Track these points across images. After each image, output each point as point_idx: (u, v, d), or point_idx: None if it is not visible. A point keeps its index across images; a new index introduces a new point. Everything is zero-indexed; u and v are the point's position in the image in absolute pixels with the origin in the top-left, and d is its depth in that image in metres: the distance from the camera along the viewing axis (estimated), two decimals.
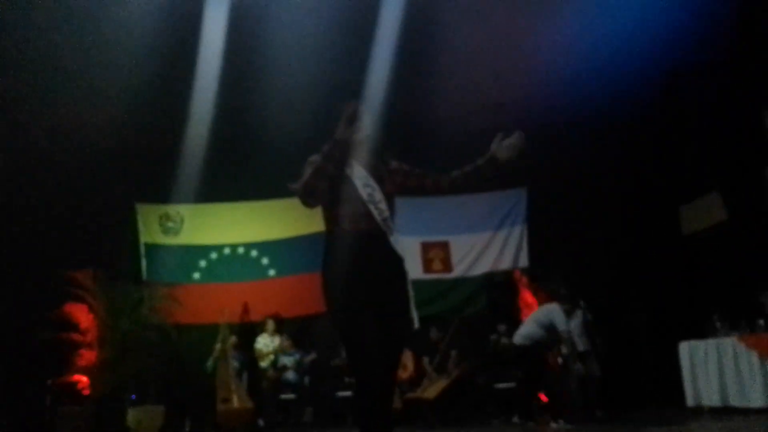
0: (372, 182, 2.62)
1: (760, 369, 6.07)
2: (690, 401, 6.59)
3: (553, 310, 6.45)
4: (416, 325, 2.64)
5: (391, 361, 2.58)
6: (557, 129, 8.25)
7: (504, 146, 2.62)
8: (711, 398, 6.42)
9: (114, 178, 8.32)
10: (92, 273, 7.58)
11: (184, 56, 7.27)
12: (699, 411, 6.51)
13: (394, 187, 2.69)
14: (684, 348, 6.79)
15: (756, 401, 6.04)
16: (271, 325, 7.85)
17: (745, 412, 6.09)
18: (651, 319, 8.04)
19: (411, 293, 2.64)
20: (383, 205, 2.60)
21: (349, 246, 2.53)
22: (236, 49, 7.30)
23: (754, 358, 6.15)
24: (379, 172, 2.67)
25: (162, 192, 8.54)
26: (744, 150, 7.82)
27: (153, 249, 8.51)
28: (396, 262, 2.59)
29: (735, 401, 6.23)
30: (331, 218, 2.61)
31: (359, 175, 2.62)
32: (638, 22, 7.01)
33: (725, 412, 6.26)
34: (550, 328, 6.38)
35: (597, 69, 7.52)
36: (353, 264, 2.49)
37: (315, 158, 2.62)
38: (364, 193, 2.58)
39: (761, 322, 6.61)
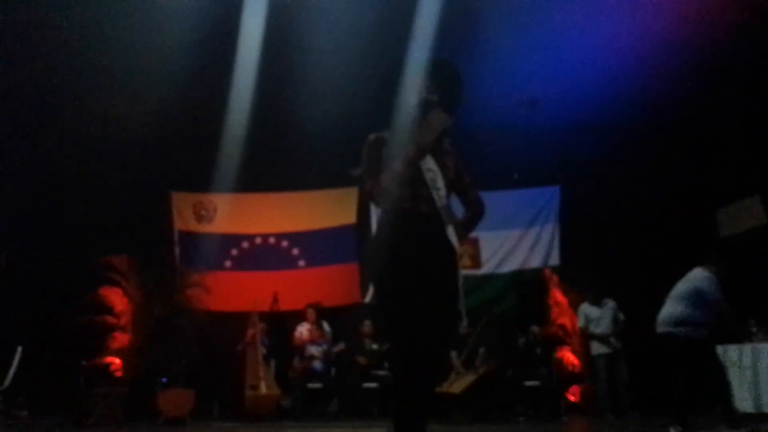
0: (435, 167, 2.54)
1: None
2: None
3: (696, 277, 5.26)
4: (464, 320, 2.58)
5: (436, 354, 2.52)
6: (594, 127, 8.14)
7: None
8: (744, 404, 6.27)
9: (150, 166, 8.48)
10: (127, 259, 7.77)
11: (223, 47, 7.35)
12: (731, 416, 6.35)
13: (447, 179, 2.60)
14: (718, 351, 6.64)
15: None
16: (311, 314, 7.91)
17: None
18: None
19: (461, 286, 2.51)
20: (443, 193, 2.52)
21: (407, 226, 2.44)
22: (274, 41, 7.36)
23: None
24: (441, 159, 2.59)
25: (196, 181, 8.69)
26: None
27: (186, 236, 8.67)
28: (450, 252, 2.47)
29: None
30: (389, 198, 2.49)
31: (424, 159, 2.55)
32: (679, 21, 6.87)
33: (759, 418, 6.11)
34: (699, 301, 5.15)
35: (637, 67, 7.39)
36: (409, 246, 2.39)
37: (370, 153, 2.59)
38: (427, 176, 2.50)
39: None
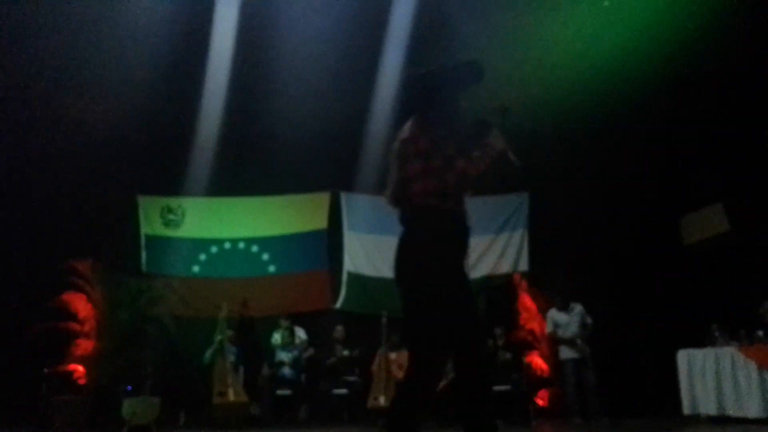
0: None
1: (758, 379, 6.06)
2: (687, 409, 6.58)
3: None
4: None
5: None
6: (562, 134, 8.27)
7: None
8: (708, 407, 6.41)
9: (117, 169, 8.35)
10: (92, 263, 7.57)
11: (195, 50, 7.29)
12: (695, 419, 6.49)
13: None
14: (682, 356, 6.78)
15: (752, 411, 6.02)
16: (285, 322, 7.85)
17: (742, 422, 6.08)
18: (650, 326, 8.02)
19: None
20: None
21: (453, 224, 2.48)
22: (247, 45, 7.33)
23: (752, 368, 6.13)
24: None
25: (164, 184, 8.57)
26: (749, 162, 7.82)
27: (154, 241, 8.52)
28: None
29: (732, 411, 6.21)
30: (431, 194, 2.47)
31: None
32: (647, 29, 7.02)
33: (722, 421, 6.25)
34: None
35: (604, 75, 7.53)
36: (457, 244, 2.45)
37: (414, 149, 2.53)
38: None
39: (760, 333, 6.60)
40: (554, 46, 7.36)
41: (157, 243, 8.51)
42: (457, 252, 2.43)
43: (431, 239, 2.39)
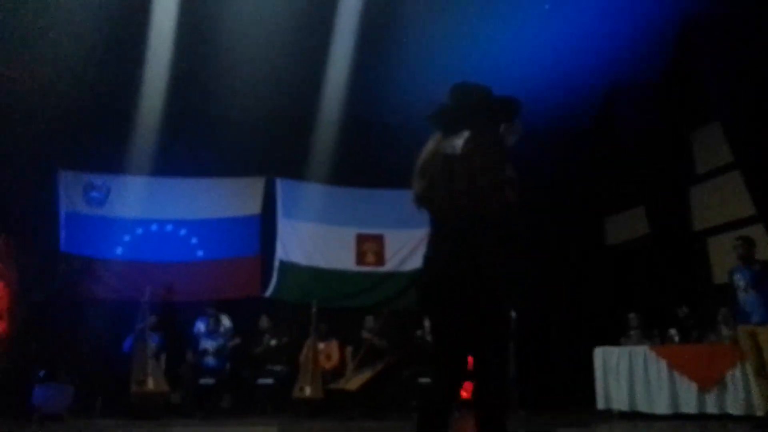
0: None
1: (668, 378, 6.41)
2: (600, 404, 6.87)
3: None
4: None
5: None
6: None
7: (510, 132, 2.58)
8: (620, 403, 6.72)
9: (37, 141, 7.82)
10: (5, 239, 7.15)
11: (135, 24, 6.95)
12: (608, 414, 6.79)
13: None
14: (598, 353, 7.07)
15: (661, 408, 6.37)
16: (210, 310, 7.65)
17: (651, 417, 6.42)
18: (570, 323, 8.32)
19: None
20: None
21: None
22: (190, 22, 7.03)
23: (663, 367, 6.47)
24: None
25: (88, 159, 8.14)
26: (670, 169, 8.20)
27: (74, 219, 8.08)
28: None
29: (642, 407, 6.54)
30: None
31: None
32: (580, 37, 7.18)
33: (632, 416, 6.57)
34: None
35: (535, 78, 7.65)
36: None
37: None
38: None
39: (673, 332, 6.97)
40: (487, 47, 7.41)
41: (78, 221, 8.08)
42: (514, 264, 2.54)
43: (503, 255, 2.48)
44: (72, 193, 8.18)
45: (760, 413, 5.65)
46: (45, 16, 6.46)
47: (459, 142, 2.50)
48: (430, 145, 2.60)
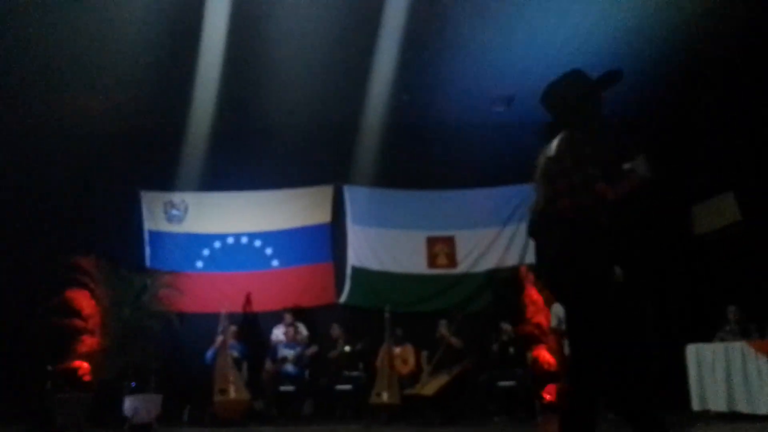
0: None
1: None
2: (696, 405, 6.44)
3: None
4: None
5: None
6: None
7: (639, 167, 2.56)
8: (717, 403, 6.26)
9: (119, 164, 8.33)
10: (95, 260, 7.58)
11: (188, 42, 7.20)
12: (705, 415, 6.35)
13: None
14: (691, 351, 6.64)
15: (763, 408, 5.87)
16: (288, 317, 7.81)
17: (752, 418, 5.94)
18: (660, 320, 7.85)
19: None
20: None
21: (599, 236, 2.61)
22: (241, 37, 7.22)
23: (763, 363, 5.97)
24: None
25: (167, 179, 8.53)
26: (759, 151, 7.61)
27: (157, 236, 8.50)
28: None
29: (742, 407, 6.06)
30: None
31: None
32: (650, 18, 6.81)
33: (731, 417, 6.11)
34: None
35: (610, 63, 7.31)
36: (604, 254, 2.59)
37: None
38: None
39: None
40: (558, 33, 7.16)
41: (160, 238, 8.49)
42: (605, 261, 2.51)
43: (581, 251, 2.48)
44: (154, 212, 8.60)
45: None
46: (107, 42, 6.79)
47: (554, 143, 2.60)
48: (539, 157, 2.73)
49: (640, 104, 7.61)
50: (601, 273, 2.44)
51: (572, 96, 2.61)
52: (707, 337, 6.80)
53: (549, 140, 2.61)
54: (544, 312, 7.83)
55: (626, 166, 2.55)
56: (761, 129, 7.57)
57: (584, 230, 2.46)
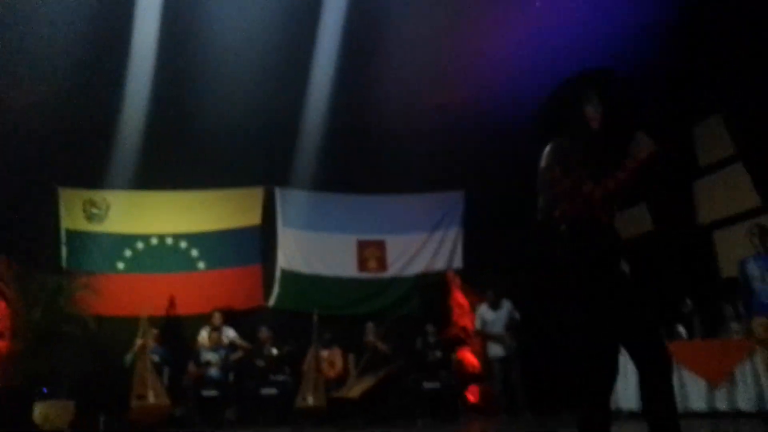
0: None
1: (676, 375, 6.24)
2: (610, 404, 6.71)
3: None
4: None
5: None
6: (499, 132, 8.30)
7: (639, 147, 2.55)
8: (629, 401, 6.56)
9: (35, 160, 7.90)
10: (6, 260, 7.19)
11: (118, 37, 6.97)
12: (617, 415, 6.64)
13: None
14: None
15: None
16: (217, 318, 7.62)
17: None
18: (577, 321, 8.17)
19: None
20: None
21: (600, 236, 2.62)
22: (175, 31, 7.06)
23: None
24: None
25: (87, 176, 8.18)
26: (672, 163, 8.05)
27: (75, 236, 8.12)
28: None
29: None
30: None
31: None
32: (581, 33, 7.08)
33: (641, 415, 6.40)
34: None
35: (539, 73, 7.55)
36: (606, 252, 2.60)
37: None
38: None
39: (680, 328, 6.82)
40: (488, 44, 7.37)
41: (79, 238, 8.11)
42: (608, 257, 2.55)
43: (583, 251, 2.53)
44: (72, 211, 8.22)
45: None
46: (32, 34, 6.50)
47: (544, 152, 2.66)
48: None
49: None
50: (608, 269, 2.51)
51: (555, 107, 2.73)
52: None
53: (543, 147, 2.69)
54: (470, 315, 8.03)
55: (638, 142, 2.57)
56: (675, 143, 8.02)
57: (586, 230, 2.54)
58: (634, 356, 2.50)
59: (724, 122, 7.01)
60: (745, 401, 5.84)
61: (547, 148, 2.61)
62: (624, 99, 2.76)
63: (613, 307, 2.47)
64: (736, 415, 5.86)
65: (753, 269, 5.43)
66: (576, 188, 2.49)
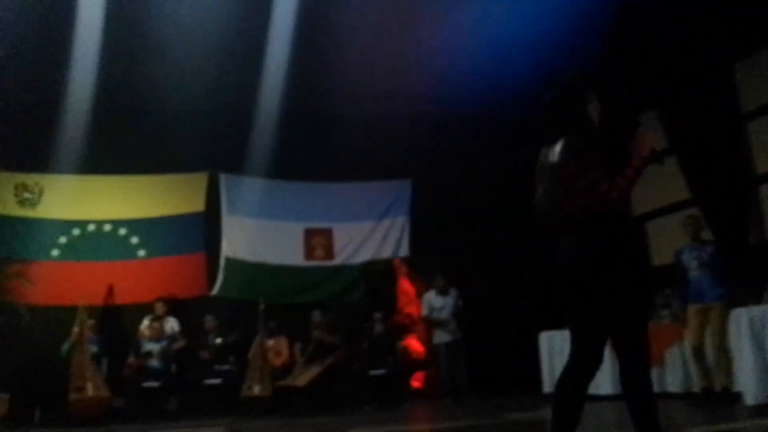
0: None
1: (610, 359, 6.50)
2: (547, 388, 6.98)
3: None
4: None
5: None
6: (447, 122, 8.39)
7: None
8: (605, 387, 6.77)
9: None
10: None
11: (62, 20, 6.67)
12: (591, 398, 6.88)
13: None
14: (543, 337, 7.18)
15: (604, 389, 6.50)
16: (160, 307, 7.42)
17: (595, 398, 6.53)
18: (517, 309, 8.41)
19: None
20: None
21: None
22: (119, 17, 6.79)
23: (606, 348, 6.58)
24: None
25: (18, 159, 7.78)
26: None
27: (5, 221, 7.72)
28: None
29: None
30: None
31: None
32: (527, 29, 7.20)
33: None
34: None
35: (488, 64, 7.65)
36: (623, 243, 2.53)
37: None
38: None
39: None
40: (435, 33, 7.41)
41: (10, 224, 7.71)
42: (626, 247, 2.52)
43: (605, 242, 2.48)
44: (2, 195, 7.80)
45: (696, 390, 5.83)
46: None
47: (557, 149, 2.59)
48: (540, 156, 2.68)
49: (514, 105, 7.99)
50: (628, 260, 2.49)
51: (563, 106, 2.71)
52: (559, 325, 7.39)
53: (550, 141, 2.68)
54: (416, 302, 8.14)
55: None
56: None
57: (606, 222, 2.48)
58: (619, 347, 2.53)
59: (658, 117, 7.33)
60: (673, 383, 6.17)
61: (560, 145, 2.57)
62: (623, 99, 2.80)
63: (625, 296, 2.47)
64: (665, 396, 6.19)
65: (688, 259, 5.67)
66: (593, 187, 2.47)
